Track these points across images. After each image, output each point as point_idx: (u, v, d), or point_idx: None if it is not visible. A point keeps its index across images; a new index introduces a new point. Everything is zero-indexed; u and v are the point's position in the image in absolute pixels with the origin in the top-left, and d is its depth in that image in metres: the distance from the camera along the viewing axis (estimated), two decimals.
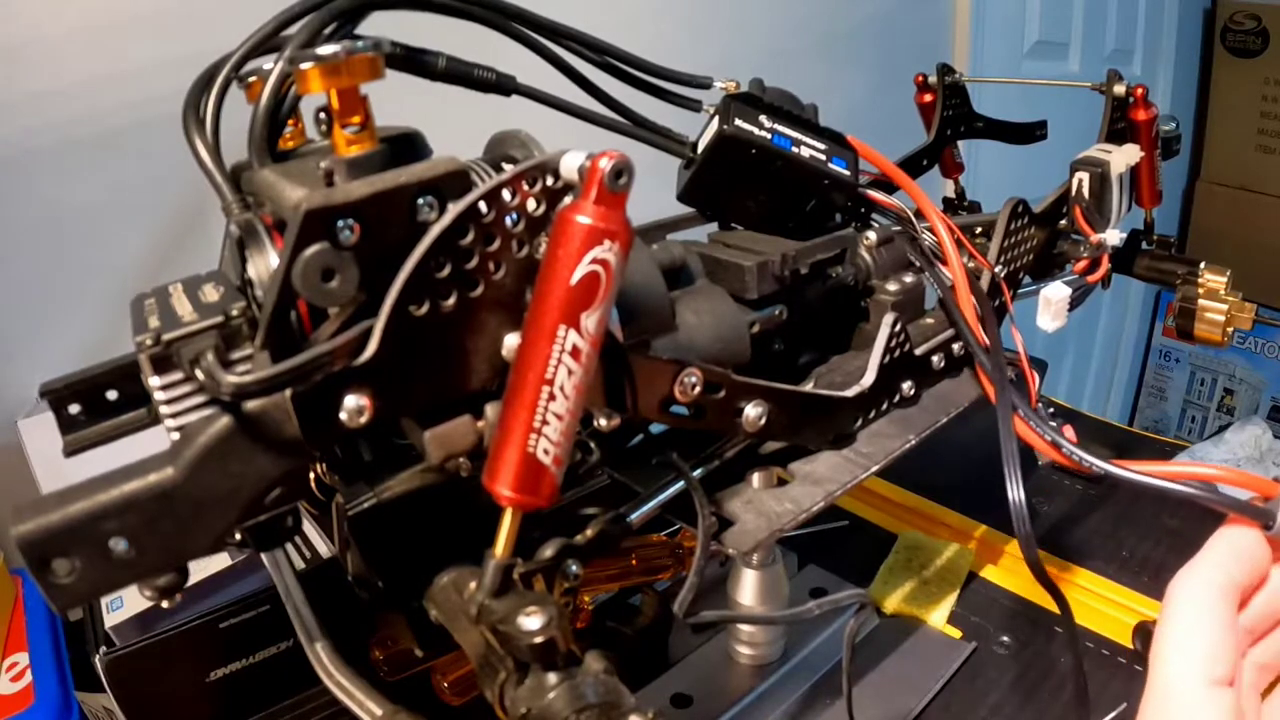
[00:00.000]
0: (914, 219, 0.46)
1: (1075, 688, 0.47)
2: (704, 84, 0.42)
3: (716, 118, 0.40)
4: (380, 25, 0.29)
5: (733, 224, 0.45)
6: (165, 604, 0.26)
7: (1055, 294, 0.46)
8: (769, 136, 0.40)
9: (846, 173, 0.43)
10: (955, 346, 0.44)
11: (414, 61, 0.31)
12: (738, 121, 0.40)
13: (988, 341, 0.41)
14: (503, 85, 0.34)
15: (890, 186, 0.49)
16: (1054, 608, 0.56)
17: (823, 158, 0.42)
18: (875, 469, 0.39)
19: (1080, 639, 0.47)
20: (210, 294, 0.27)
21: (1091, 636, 0.54)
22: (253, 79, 0.29)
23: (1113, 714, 0.47)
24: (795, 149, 0.41)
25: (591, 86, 0.39)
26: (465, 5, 0.32)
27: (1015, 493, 0.35)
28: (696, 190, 0.43)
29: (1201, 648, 0.27)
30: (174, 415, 0.26)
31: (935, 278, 0.44)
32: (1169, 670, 0.27)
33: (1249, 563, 0.29)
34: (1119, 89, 0.54)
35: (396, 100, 0.31)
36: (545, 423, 0.25)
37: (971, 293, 0.42)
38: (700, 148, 0.41)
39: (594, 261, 0.25)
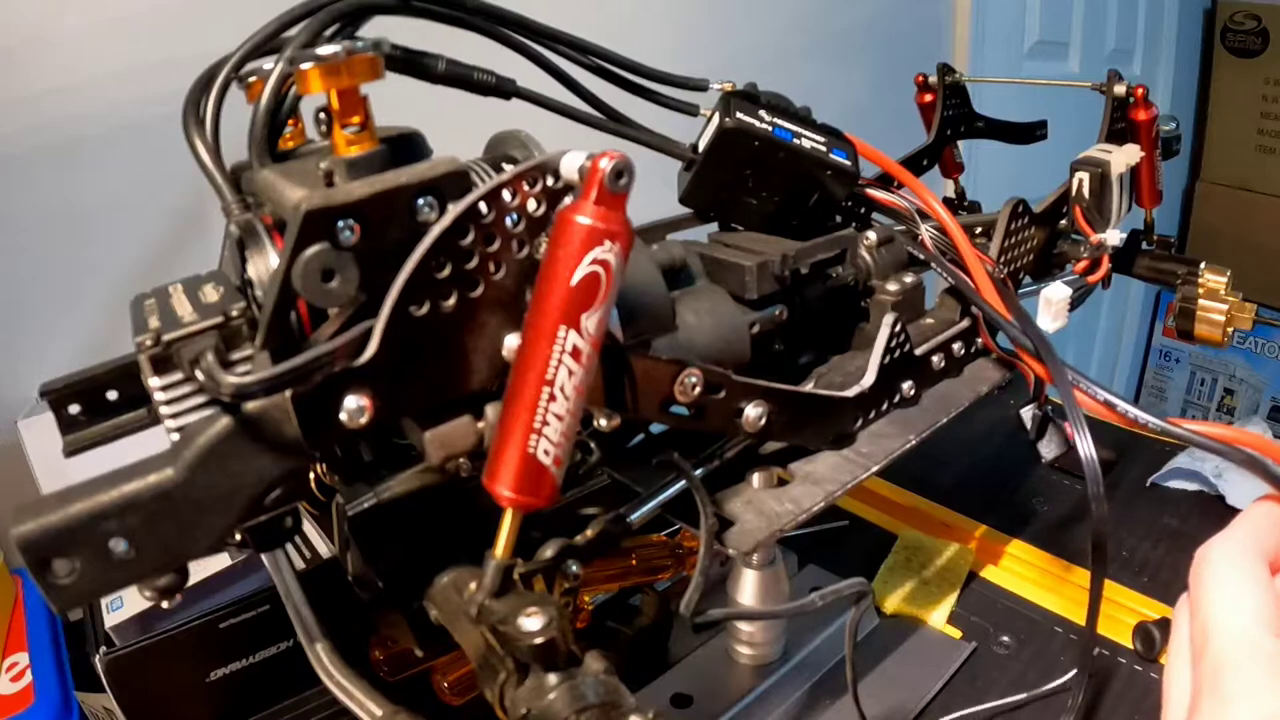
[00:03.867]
0: (917, 217, 0.46)
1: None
2: (700, 86, 0.42)
3: (717, 115, 0.40)
4: (382, 28, 0.29)
5: (734, 225, 0.45)
6: (165, 604, 0.26)
7: (1056, 294, 0.46)
8: (770, 129, 0.40)
9: (848, 163, 0.43)
10: (955, 346, 0.44)
11: (414, 64, 0.31)
12: (739, 115, 0.40)
13: (1016, 321, 0.41)
14: (502, 88, 0.34)
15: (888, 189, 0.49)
16: (1055, 607, 0.56)
17: (824, 149, 0.42)
18: (875, 469, 0.39)
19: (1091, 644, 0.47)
20: (210, 294, 0.28)
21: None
22: (253, 79, 0.29)
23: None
24: (797, 140, 0.41)
25: (589, 95, 0.39)
26: (462, 14, 0.32)
27: (1086, 448, 0.36)
28: (699, 190, 0.43)
29: (1256, 601, 0.26)
30: (174, 415, 0.26)
31: (948, 272, 0.43)
32: (1230, 625, 0.26)
33: (1279, 536, 0.29)
34: (1119, 89, 0.54)
35: (397, 100, 0.31)
36: (545, 423, 0.25)
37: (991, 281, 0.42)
38: (701, 146, 0.41)
39: (594, 262, 0.25)
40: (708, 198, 0.44)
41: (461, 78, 0.33)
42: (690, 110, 0.42)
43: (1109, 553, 0.61)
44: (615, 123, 0.39)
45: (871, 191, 0.47)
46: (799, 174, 0.42)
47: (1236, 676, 0.25)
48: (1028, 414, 0.45)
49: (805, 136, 0.41)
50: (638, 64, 0.39)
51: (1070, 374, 0.38)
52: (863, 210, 0.48)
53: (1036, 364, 0.40)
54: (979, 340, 0.45)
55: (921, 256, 0.45)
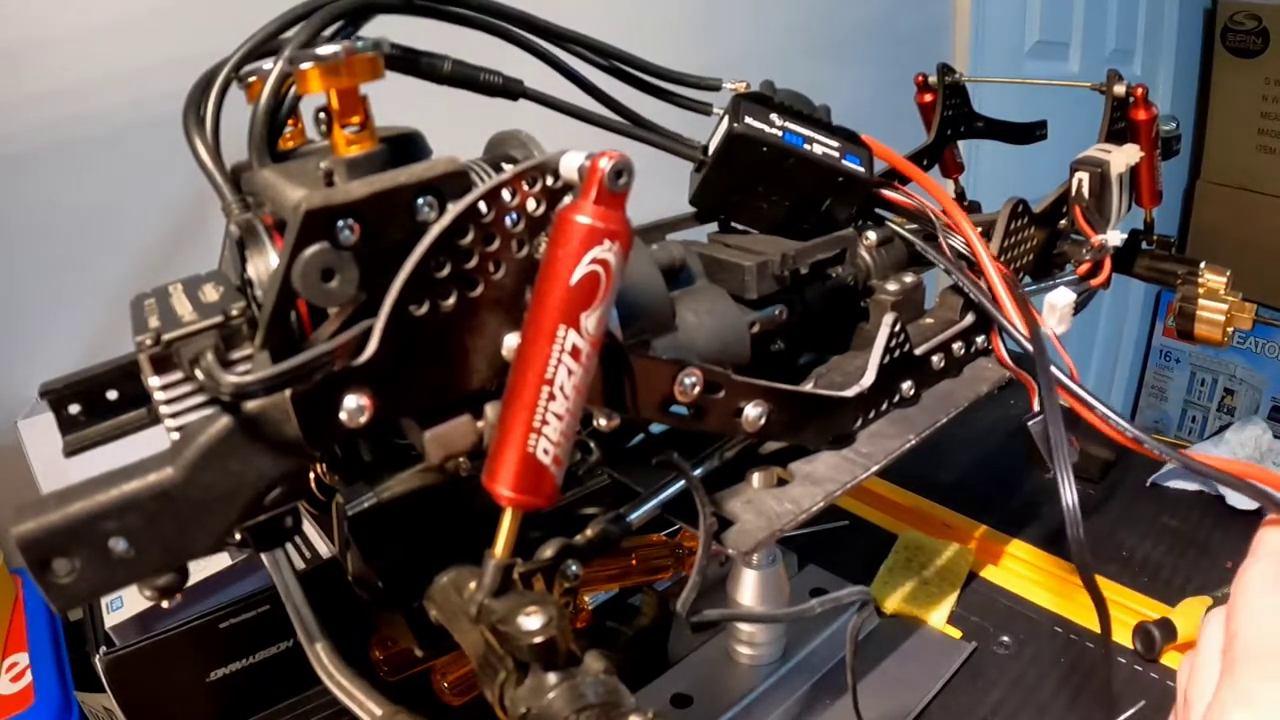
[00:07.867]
0: (933, 217, 0.46)
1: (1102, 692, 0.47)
2: (713, 85, 0.42)
3: (727, 118, 0.40)
4: (389, 27, 0.29)
5: (746, 228, 0.45)
6: (165, 604, 0.26)
7: (1060, 300, 0.46)
8: (780, 134, 0.40)
9: (861, 169, 0.42)
10: (955, 346, 0.44)
11: (420, 65, 0.31)
12: (748, 120, 0.39)
13: (1029, 332, 0.41)
14: (510, 89, 0.34)
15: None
16: (1055, 607, 0.56)
17: (836, 155, 0.41)
18: (875, 469, 0.39)
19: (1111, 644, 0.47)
20: (210, 294, 0.28)
21: (1091, 636, 0.54)
22: (253, 79, 0.29)
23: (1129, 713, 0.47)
24: (808, 146, 0.40)
25: (599, 92, 0.38)
26: (470, 13, 0.32)
27: (1069, 497, 0.37)
28: (709, 192, 0.42)
29: None
30: (174, 415, 0.26)
31: (967, 281, 0.43)
32: (1258, 627, 0.29)
33: None
34: (1119, 89, 0.54)
35: (397, 100, 0.31)
36: (545, 423, 0.25)
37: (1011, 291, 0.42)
38: (711, 149, 0.41)
39: (594, 261, 0.25)
40: (717, 200, 0.43)
41: (468, 78, 0.33)
42: (704, 109, 0.42)
43: (1108, 553, 0.61)
44: (625, 121, 0.39)
45: (887, 192, 0.47)
46: (809, 180, 0.41)
47: (1257, 667, 0.28)
48: (1035, 427, 0.45)
49: (818, 142, 0.41)
50: (648, 63, 0.39)
51: (1088, 397, 0.38)
52: (877, 209, 0.48)
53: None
54: (979, 340, 0.45)
55: (943, 267, 0.44)
